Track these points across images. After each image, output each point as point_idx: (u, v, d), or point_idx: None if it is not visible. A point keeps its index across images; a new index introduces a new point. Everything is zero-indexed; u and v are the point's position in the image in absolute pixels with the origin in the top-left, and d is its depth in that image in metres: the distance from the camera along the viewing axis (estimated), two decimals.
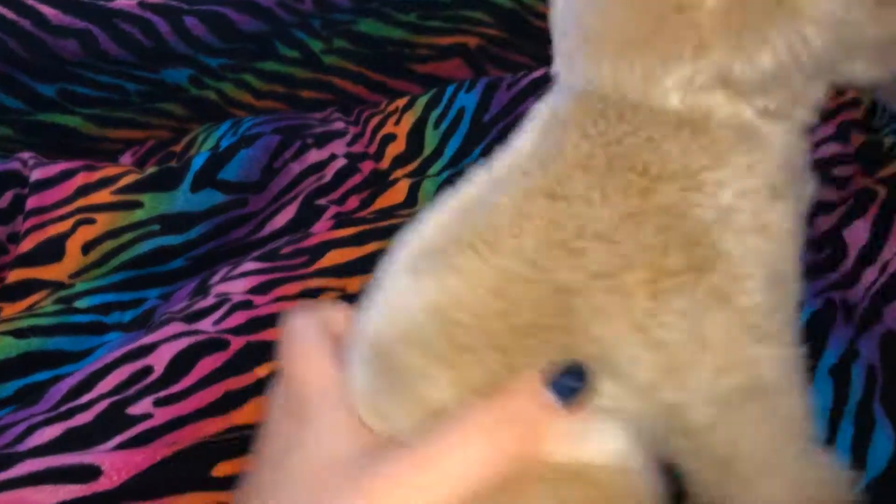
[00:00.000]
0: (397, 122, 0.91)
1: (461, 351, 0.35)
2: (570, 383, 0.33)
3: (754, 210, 0.35)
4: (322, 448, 0.34)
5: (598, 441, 0.34)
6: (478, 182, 0.40)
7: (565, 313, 0.34)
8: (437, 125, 0.90)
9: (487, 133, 0.92)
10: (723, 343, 0.34)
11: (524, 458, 0.33)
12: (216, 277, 0.79)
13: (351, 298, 0.80)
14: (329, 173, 0.91)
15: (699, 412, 0.35)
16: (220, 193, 0.86)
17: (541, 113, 0.40)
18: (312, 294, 0.74)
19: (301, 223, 0.87)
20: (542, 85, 0.95)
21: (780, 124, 0.36)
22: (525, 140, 0.39)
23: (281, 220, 0.88)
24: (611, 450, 0.34)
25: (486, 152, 0.96)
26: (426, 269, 0.37)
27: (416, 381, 0.35)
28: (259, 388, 0.65)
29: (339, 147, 0.94)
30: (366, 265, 0.80)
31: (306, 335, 0.38)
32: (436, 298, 0.36)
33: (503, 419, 0.33)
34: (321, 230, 0.86)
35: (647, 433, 0.35)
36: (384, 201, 0.91)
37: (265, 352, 0.68)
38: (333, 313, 0.44)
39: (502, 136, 0.97)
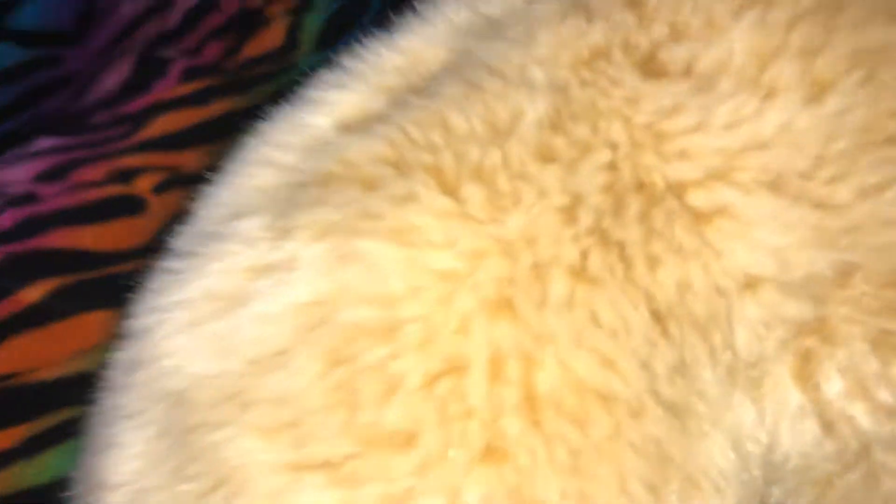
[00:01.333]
0: None
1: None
2: None
3: None
4: None
5: None
6: (450, 21, 0.21)
7: (676, 371, 0.17)
8: None
9: None
10: None
11: None
12: (4, 163, 0.59)
13: (187, 181, 0.59)
14: (175, 15, 0.70)
15: None
16: (18, 48, 0.66)
17: None
18: (125, 177, 0.53)
19: (140, 84, 0.68)
20: None
21: None
22: None
23: (112, 81, 0.69)
24: None
25: None
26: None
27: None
28: (26, 320, 0.46)
29: None
30: (209, 133, 0.61)
31: None
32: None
33: None
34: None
35: None
36: (256, 47, 0.72)
37: (39, 264, 0.49)
38: None
39: None
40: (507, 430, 0.15)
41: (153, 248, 0.55)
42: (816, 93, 0.16)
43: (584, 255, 0.16)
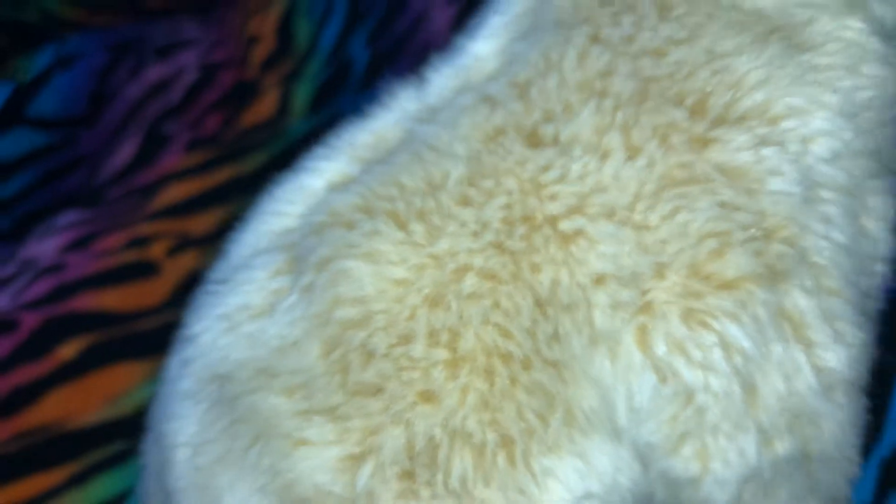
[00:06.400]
0: (265, 19, 0.80)
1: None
2: None
3: (852, 187, 0.25)
4: None
5: None
6: (403, 109, 0.29)
7: (553, 339, 0.25)
8: (309, 12, 0.79)
9: (372, 7, 0.77)
10: (782, 394, 0.25)
11: None
12: (33, 238, 0.66)
13: (196, 243, 0.67)
14: (177, 91, 0.78)
15: (725, 491, 0.26)
16: (39, 133, 0.73)
17: (507, 4, 0.30)
18: (141, 243, 0.60)
19: (148, 158, 0.74)
20: None
21: None
22: (485, 45, 0.29)
23: (122, 157, 0.76)
24: None
25: (375, 37, 0.81)
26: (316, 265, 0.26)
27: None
28: (63, 374, 0.55)
29: (188, 58, 0.80)
30: (214, 199, 0.67)
31: None
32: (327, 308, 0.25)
33: None
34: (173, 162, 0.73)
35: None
36: (251, 117, 0.78)
37: (72, 325, 0.56)
38: None
39: (393, 10, 0.83)
40: (436, 378, 0.23)
41: (169, 305, 0.63)
42: (632, 154, 0.25)
43: (487, 262, 0.25)
